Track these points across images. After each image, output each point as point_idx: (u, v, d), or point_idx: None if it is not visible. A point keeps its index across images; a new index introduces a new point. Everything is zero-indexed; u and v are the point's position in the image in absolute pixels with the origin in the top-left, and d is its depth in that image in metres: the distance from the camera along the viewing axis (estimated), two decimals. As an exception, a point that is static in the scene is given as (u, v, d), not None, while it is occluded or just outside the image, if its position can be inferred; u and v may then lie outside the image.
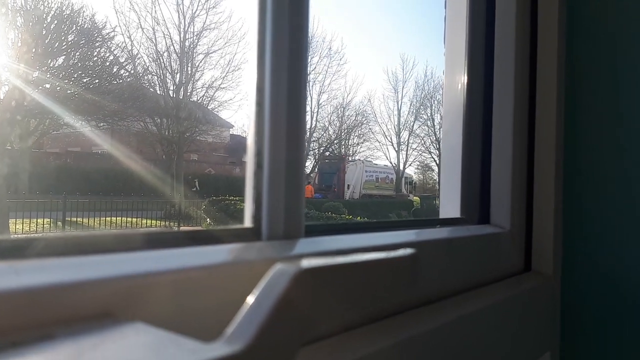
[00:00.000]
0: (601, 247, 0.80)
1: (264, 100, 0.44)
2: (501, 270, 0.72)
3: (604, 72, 0.82)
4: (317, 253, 0.41)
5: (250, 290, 0.31)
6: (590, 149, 0.82)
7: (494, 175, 0.75)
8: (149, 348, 0.21)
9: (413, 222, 0.69)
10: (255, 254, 0.38)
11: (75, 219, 6.32)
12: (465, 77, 0.78)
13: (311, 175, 15.56)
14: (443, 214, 0.78)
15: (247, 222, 0.45)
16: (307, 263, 0.27)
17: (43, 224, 5.55)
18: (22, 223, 5.36)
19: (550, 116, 0.79)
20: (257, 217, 0.45)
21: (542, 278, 0.76)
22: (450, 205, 0.78)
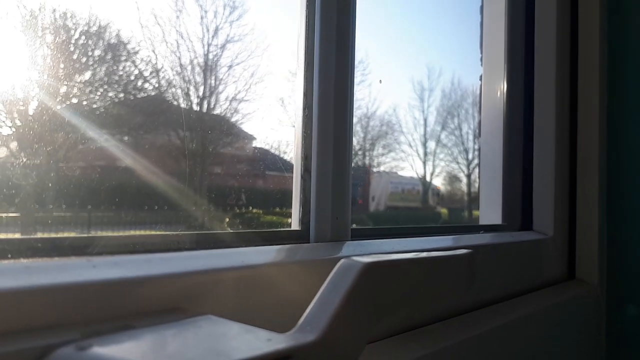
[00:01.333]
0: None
1: (311, 104, 0.44)
2: (544, 278, 0.70)
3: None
4: (365, 254, 0.41)
5: (303, 288, 0.30)
6: (634, 153, 0.79)
7: (536, 181, 0.73)
8: (228, 337, 0.21)
9: (457, 228, 0.68)
10: (306, 254, 0.37)
11: (100, 232, 6.40)
12: (505, 83, 0.77)
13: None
14: (483, 221, 0.77)
15: (295, 225, 0.45)
16: (373, 258, 0.27)
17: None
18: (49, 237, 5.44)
19: (592, 121, 0.77)
20: (304, 220, 0.44)
21: (586, 286, 0.74)
22: (491, 212, 0.76)
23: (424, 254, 0.30)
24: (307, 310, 0.23)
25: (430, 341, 0.43)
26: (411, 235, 0.55)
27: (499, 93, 0.76)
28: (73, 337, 0.19)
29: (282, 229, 0.44)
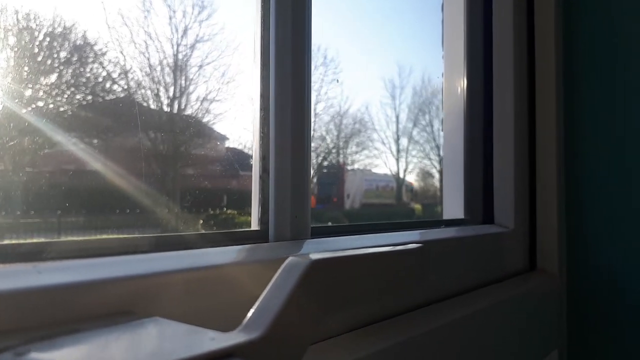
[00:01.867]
0: (606, 244, 0.80)
1: (268, 105, 0.44)
2: (506, 270, 0.72)
3: (603, 70, 0.82)
4: (322, 252, 0.41)
5: (259, 287, 0.31)
6: (592, 146, 0.82)
7: (496, 175, 0.75)
8: (172, 337, 0.21)
9: (418, 223, 0.69)
10: (263, 253, 0.38)
11: (70, 237, 6.27)
12: (465, 80, 0.78)
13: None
14: (447, 216, 0.79)
15: (254, 225, 0.45)
16: (318, 255, 0.27)
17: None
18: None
19: (550, 115, 0.79)
20: (263, 219, 0.45)
21: (547, 276, 0.76)
22: (453, 207, 0.78)
23: (373, 250, 0.30)
24: (253, 309, 0.23)
25: (390, 334, 0.44)
26: (373, 232, 0.56)
27: (459, 90, 0.78)
28: (13, 343, 0.19)
29: (241, 230, 0.45)
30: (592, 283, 0.81)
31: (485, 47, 0.79)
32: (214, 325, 0.27)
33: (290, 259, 0.26)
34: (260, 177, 0.45)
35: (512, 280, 0.70)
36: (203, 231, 0.44)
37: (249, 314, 0.23)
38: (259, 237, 0.44)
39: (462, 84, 0.78)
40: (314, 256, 0.26)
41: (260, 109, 0.45)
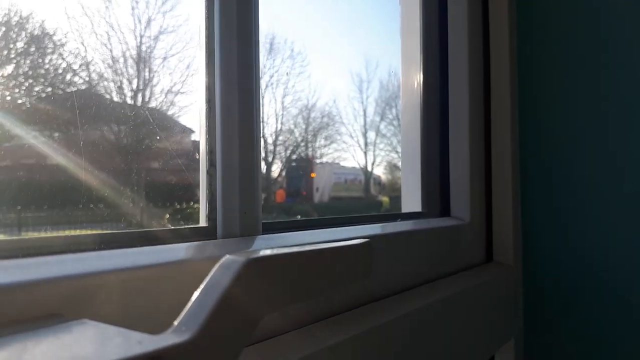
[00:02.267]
0: (560, 236, 0.82)
1: (214, 97, 0.43)
2: (463, 262, 0.73)
3: (558, 63, 0.84)
4: (272, 248, 0.40)
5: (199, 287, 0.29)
6: (546, 139, 0.84)
7: (452, 169, 0.76)
8: (94, 341, 0.20)
9: (374, 217, 0.69)
10: (208, 251, 0.37)
11: (31, 234, 6.09)
12: (421, 74, 0.78)
13: (278, 179, 15.49)
14: (405, 209, 0.79)
15: (202, 222, 0.44)
16: (255, 254, 0.26)
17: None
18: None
19: (505, 110, 0.81)
20: (211, 216, 0.43)
21: (503, 268, 0.77)
22: (412, 200, 0.78)
23: (314, 247, 0.30)
24: (184, 310, 0.22)
25: (339, 330, 0.44)
26: (328, 226, 0.55)
27: (415, 84, 0.78)
28: None
29: (188, 227, 0.43)
30: (547, 274, 0.83)
31: (441, 42, 0.80)
32: (151, 328, 0.26)
33: (225, 257, 0.25)
34: (208, 171, 0.44)
35: (468, 272, 0.71)
36: (149, 228, 0.43)
37: (181, 315, 0.22)
38: (207, 233, 0.43)
39: (419, 78, 0.78)
40: (250, 254, 0.26)
41: (206, 101, 0.44)
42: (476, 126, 0.78)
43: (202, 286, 0.24)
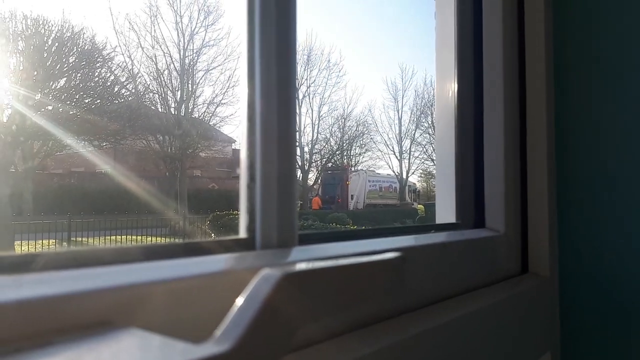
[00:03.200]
0: (597, 247, 0.81)
1: (254, 115, 0.46)
2: (498, 274, 0.73)
3: (593, 73, 0.83)
4: (308, 260, 0.43)
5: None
6: (582, 149, 0.83)
7: (487, 179, 0.76)
8: (142, 349, 0.22)
9: (408, 229, 0.70)
10: (248, 262, 0.39)
11: (80, 238, 6.36)
12: (456, 84, 0.79)
13: (314, 187, 15.57)
14: (440, 220, 0.80)
15: (242, 233, 0.47)
16: (293, 268, 0.28)
17: (48, 245, 5.58)
18: (28, 244, 5.40)
19: (541, 119, 0.80)
20: (250, 227, 0.46)
21: (538, 279, 0.77)
22: (446, 211, 0.79)
23: (351, 260, 0.32)
24: (225, 321, 0.24)
25: (375, 339, 0.45)
26: (361, 238, 0.57)
27: (450, 93, 0.79)
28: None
29: (229, 238, 0.46)
30: (584, 285, 0.81)
31: (475, 53, 0.80)
32: (195, 336, 0.28)
33: (263, 271, 0.27)
34: (248, 185, 0.46)
35: (503, 284, 0.71)
36: (193, 240, 0.46)
37: (221, 326, 0.24)
38: (246, 245, 0.45)
39: (453, 88, 0.79)
40: (288, 269, 0.28)
41: (247, 119, 0.46)
42: (511, 136, 0.78)
43: (241, 298, 0.26)
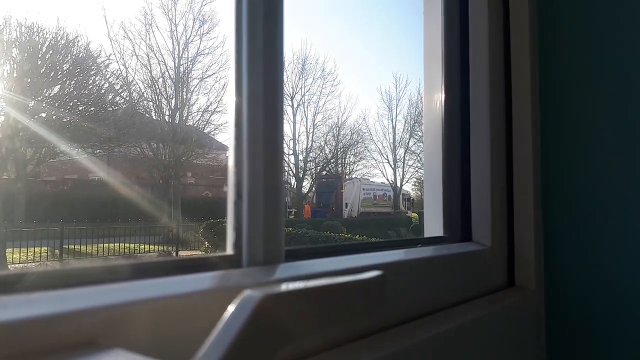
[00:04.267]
0: (583, 261, 0.82)
1: (241, 135, 0.47)
2: (484, 287, 0.74)
3: (579, 90, 0.85)
4: (293, 278, 0.43)
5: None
6: (567, 163, 0.84)
7: (473, 193, 0.77)
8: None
9: (395, 243, 0.70)
10: (233, 280, 0.40)
11: (73, 246, 6.32)
12: (443, 96, 0.80)
13: (309, 194, 15.61)
14: (428, 233, 0.80)
15: (229, 250, 0.47)
16: (273, 289, 0.29)
17: (40, 253, 5.55)
18: (20, 252, 5.36)
19: (527, 134, 0.81)
20: (237, 244, 0.47)
21: (524, 292, 0.78)
22: (434, 225, 0.80)
23: (332, 280, 0.32)
24: (207, 342, 0.25)
25: (362, 354, 0.46)
26: (348, 253, 0.58)
27: (438, 105, 0.80)
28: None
29: (215, 255, 0.47)
30: (570, 298, 0.82)
31: (462, 65, 0.82)
32: (179, 356, 0.28)
33: (245, 293, 0.28)
34: (235, 202, 0.47)
35: (490, 297, 0.72)
36: (180, 257, 0.46)
37: (203, 347, 0.25)
38: (233, 261, 0.46)
39: (440, 99, 0.80)
40: (269, 290, 0.28)
41: (235, 138, 0.47)
42: (498, 150, 0.79)
43: (222, 321, 0.26)
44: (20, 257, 5.30)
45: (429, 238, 0.76)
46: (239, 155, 0.47)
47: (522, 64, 0.83)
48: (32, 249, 5.60)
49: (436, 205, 0.78)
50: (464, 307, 0.66)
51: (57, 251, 5.83)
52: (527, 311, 0.77)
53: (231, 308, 0.27)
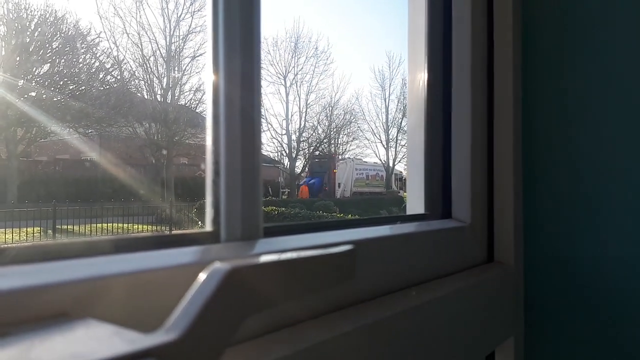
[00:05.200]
0: (560, 236, 0.84)
1: (219, 112, 0.47)
2: (463, 263, 0.75)
3: (559, 65, 0.85)
4: (268, 252, 0.44)
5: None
6: (549, 140, 0.85)
7: (454, 170, 0.79)
8: (96, 338, 0.24)
9: (376, 220, 0.72)
10: (210, 255, 0.41)
11: (65, 226, 6.33)
12: (426, 75, 0.81)
13: (302, 175, 15.62)
14: (410, 211, 0.82)
15: (208, 227, 0.49)
16: (241, 262, 0.30)
17: (33, 233, 5.55)
18: (12, 232, 5.36)
19: (507, 112, 0.82)
20: (216, 221, 0.48)
21: (503, 268, 0.80)
22: (416, 202, 0.81)
23: (298, 254, 0.33)
24: (174, 312, 0.26)
25: (335, 325, 0.47)
26: (328, 229, 0.59)
27: (421, 84, 0.80)
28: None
29: (195, 231, 0.48)
30: (548, 273, 0.85)
31: (445, 43, 0.82)
32: (152, 327, 0.30)
33: (213, 265, 0.29)
34: (213, 180, 0.48)
35: (468, 272, 0.74)
36: (161, 234, 0.47)
37: (171, 317, 0.26)
38: (212, 237, 0.47)
39: (423, 78, 0.81)
40: (236, 263, 0.29)
41: (213, 116, 0.48)
42: (478, 127, 0.80)
43: (190, 291, 0.28)
44: (12, 238, 5.30)
45: (410, 215, 0.78)
46: (216, 133, 0.48)
47: (505, 45, 0.84)
48: (25, 229, 5.61)
49: (418, 183, 0.80)
50: (443, 280, 0.68)
51: (49, 231, 5.83)
52: (505, 286, 0.79)
53: (201, 278, 0.28)
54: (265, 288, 0.31)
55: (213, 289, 0.27)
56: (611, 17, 0.81)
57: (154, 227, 6.77)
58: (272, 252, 0.45)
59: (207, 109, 0.50)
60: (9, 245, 0.44)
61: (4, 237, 5.17)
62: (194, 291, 0.27)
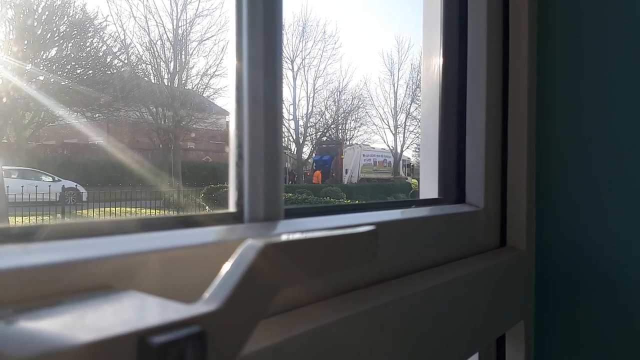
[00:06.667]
0: (573, 222, 0.85)
1: (242, 98, 0.48)
2: (476, 247, 0.77)
3: (575, 53, 0.86)
4: (291, 232, 0.46)
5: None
6: (563, 126, 0.86)
7: (468, 155, 0.79)
8: (141, 308, 0.26)
9: (391, 204, 0.73)
10: (236, 234, 0.42)
11: (73, 210, 6.39)
12: (441, 59, 0.81)
13: (309, 160, 15.63)
14: (423, 195, 0.83)
15: (231, 208, 0.50)
16: (274, 238, 0.31)
17: (43, 216, 5.61)
18: (22, 216, 5.42)
19: (522, 97, 0.83)
20: (239, 202, 0.49)
21: (516, 252, 0.81)
22: (429, 187, 0.82)
23: (324, 233, 0.35)
24: (213, 284, 0.28)
25: (357, 303, 0.49)
26: (345, 212, 0.60)
27: (435, 69, 0.81)
28: (4, 314, 0.24)
29: (218, 212, 0.49)
30: (560, 259, 0.86)
31: (461, 28, 0.82)
32: (186, 299, 0.31)
33: (248, 241, 0.31)
34: (236, 163, 0.49)
35: (481, 256, 0.75)
36: (187, 214, 0.49)
37: (209, 289, 0.28)
38: (235, 218, 0.49)
39: (438, 63, 0.81)
40: (268, 240, 0.31)
41: (236, 101, 0.49)
42: (493, 112, 0.81)
43: (227, 265, 0.29)
44: (22, 221, 5.36)
45: (424, 200, 0.79)
46: (239, 118, 0.49)
47: (520, 30, 0.84)
48: (35, 212, 5.67)
49: (432, 168, 0.81)
50: (456, 264, 0.69)
51: (58, 215, 5.89)
52: (517, 270, 0.80)
53: (236, 254, 0.29)
54: (296, 264, 0.32)
55: (249, 263, 0.28)
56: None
57: (163, 212, 6.82)
58: (295, 231, 0.46)
59: (230, 94, 0.51)
60: (43, 223, 0.45)
61: (14, 220, 5.23)
62: (230, 265, 0.29)
